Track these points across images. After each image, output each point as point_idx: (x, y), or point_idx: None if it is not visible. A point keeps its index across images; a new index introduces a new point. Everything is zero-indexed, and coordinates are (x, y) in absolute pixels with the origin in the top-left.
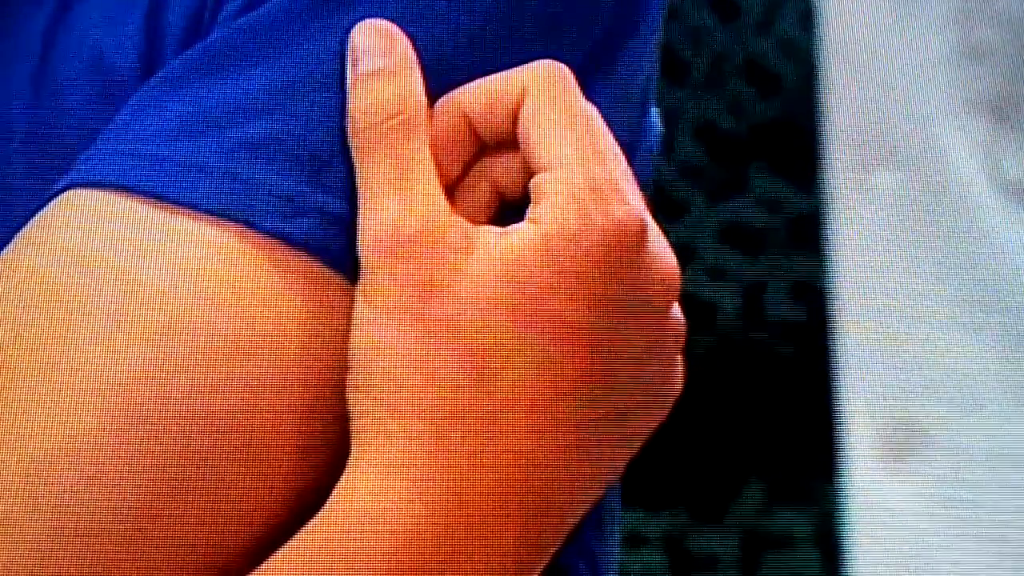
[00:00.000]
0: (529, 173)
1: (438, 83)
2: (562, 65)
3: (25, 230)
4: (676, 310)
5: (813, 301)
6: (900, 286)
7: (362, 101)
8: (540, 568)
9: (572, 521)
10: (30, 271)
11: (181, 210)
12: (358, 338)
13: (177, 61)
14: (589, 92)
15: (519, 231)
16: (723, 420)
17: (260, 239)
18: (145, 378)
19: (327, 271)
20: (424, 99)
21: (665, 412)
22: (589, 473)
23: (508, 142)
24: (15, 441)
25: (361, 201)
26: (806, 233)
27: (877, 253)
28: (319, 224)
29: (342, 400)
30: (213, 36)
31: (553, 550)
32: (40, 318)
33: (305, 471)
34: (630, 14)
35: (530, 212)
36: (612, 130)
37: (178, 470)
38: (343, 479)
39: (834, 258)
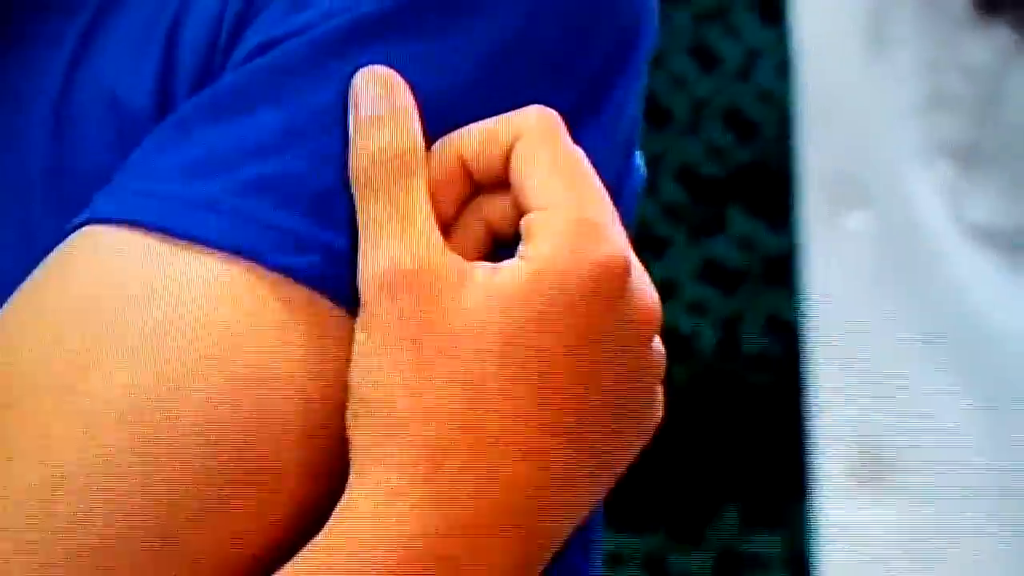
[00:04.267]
0: (520, 213)
1: (436, 126)
2: (552, 111)
3: (44, 263)
4: (657, 343)
5: (786, 335)
6: (869, 322)
7: (362, 145)
8: None
9: (558, 542)
10: (49, 303)
11: (192, 246)
12: (358, 369)
13: (189, 103)
14: (578, 136)
15: (510, 268)
16: (701, 447)
17: (267, 274)
18: (157, 407)
19: (329, 305)
20: (422, 142)
21: (646, 439)
22: (576, 495)
23: (501, 183)
24: (33, 464)
25: (362, 239)
26: (780, 271)
27: (848, 290)
28: (323, 260)
29: (342, 427)
30: (224, 80)
31: (540, 570)
32: (59, 348)
33: (306, 495)
34: (617, 63)
35: (521, 250)
36: (599, 172)
37: (186, 493)
38: (342, 503)
39: (807, 295)
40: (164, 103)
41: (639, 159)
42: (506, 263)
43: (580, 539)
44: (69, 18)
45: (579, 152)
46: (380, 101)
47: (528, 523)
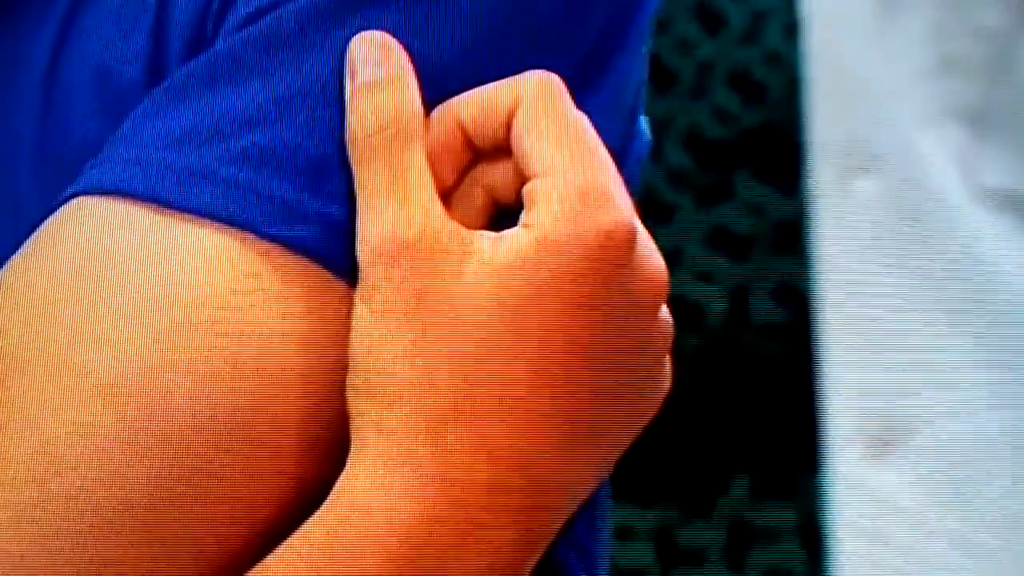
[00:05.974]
0: (522, 179)
1: (434, 93)
2: (554, 75)
3: (33, 236)
4: (664, 312)
5: (796, 303)
6: (881, 288)
7: (360, 111)
8: (534, 561)
9: (565, 515)
10: (39, 276)
11: (185, 216)
12: (357, 340)
13: (180, 72)
14: (580, 101)
15: (513, 236)
16: (710, 417)
17: (262, 244)
18: (151, 379)
19: (327, 275)
20: (420, 109)
21: (654, 410)
22: (581, 468)
23: (502, 150)
24: (26, 438)
25: (360, 208)
26: (790, 237)
27: (858, 257)
28: (319, 230)
29: (342, 400)
30: (215, 48)
31: (547, 543)
32: (49, 321)
33: (306, 469)
34: (620, 26)
35: (523, 217)
36: (603, 138)
37: (183, 467)
38: (343, 476)
39: (817, 261)
40: (154, 74)
41: (644, 124)
42: (508, 232)
43: (587, 514)
44: None
45: (582, 117)
46: (377, 66)
47: (531, 496)
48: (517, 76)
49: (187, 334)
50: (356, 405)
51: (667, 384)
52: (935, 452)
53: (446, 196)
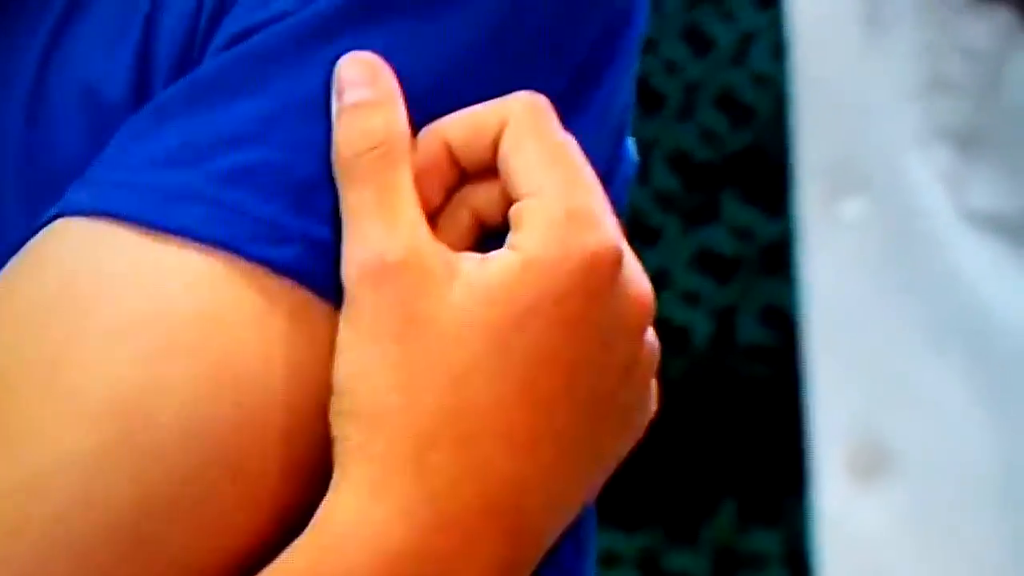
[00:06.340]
0: (509, 201)
1: (421, 113)
2: (541, 96)
3: (16, 258)
4: (650, 334)
5: (783, 326)
6: (868, 311)
7: (347, 131)
8: None
9: (549, 540)
10: (22, 299)
11: (169, 238)
12: (341, 363)
13: (166, 92)
14: (568, 122)
15: (499, 258)
16: (696, 442)
17: (246, 266)
18: (134, 402)
19: (312, 297)
20: (407, 129)
21: (639, 434)
22: (566, 493)
23: (489, 171)
24: (9, 462)
25: (345, 229)
26: (776, 259)
27: (846, 279)
28: (304, 251)
29: (326, 423)
30: (202, 68)
31: (532, 566)
32: (32, 344)
33: (289, 494)
34: (607, 48)
35: (510, 239)
36: (589, 159)
37: (164, 491)
38: (326, 501)
39: (804, 284)
40: (141, 93)
41: (631, 145)
42: (494, 254)
43: (572, 538)
44: (44, 4)
45: (569, 138)
46: (364, 86)
47: (516, 519)
48: (504, 97)
49: (170, 357)
50: (340, 428)
51: (652, 407)
52: (921, 475)
53: (432, 217)
